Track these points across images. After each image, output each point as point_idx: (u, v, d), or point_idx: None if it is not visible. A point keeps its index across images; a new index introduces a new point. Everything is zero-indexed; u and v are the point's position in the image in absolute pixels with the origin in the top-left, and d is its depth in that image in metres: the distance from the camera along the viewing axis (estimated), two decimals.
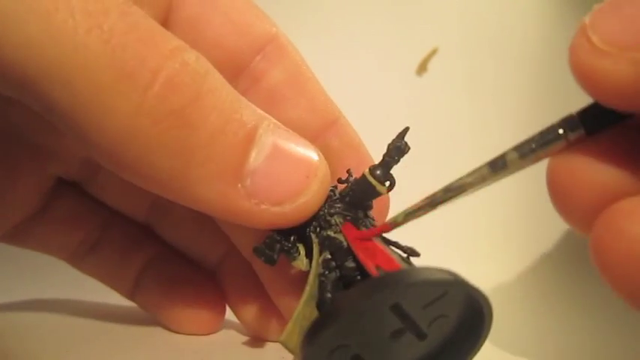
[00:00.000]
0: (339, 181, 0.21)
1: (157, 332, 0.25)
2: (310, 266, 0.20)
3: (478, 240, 0.39)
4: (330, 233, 0.20)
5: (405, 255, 0.19)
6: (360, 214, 0.20)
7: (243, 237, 0.23)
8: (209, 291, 0.26)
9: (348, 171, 0.21)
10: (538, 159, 0.17)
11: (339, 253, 0.19)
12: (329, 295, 0.18)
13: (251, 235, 0.23)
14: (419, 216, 0.18)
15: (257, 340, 0.24)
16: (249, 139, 0.18)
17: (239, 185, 0.18)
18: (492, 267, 0.36)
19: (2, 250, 0.25)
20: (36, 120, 0.22)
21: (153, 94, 0.17)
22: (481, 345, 0.17)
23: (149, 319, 0.26)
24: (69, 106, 0.16)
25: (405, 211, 0.19)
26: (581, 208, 0.17)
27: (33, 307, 0.29)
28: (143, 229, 0.27)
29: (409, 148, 0.20)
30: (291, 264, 0.20)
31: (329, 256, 0.19)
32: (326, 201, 0.20)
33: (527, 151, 0.17)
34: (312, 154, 0.19)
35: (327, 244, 0.19)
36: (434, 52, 0.43)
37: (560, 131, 0.16)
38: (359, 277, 0.19)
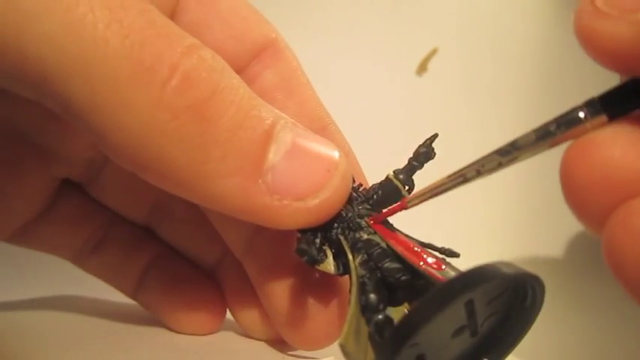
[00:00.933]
0: None
1: (157, 332, 0.25)
2: (339, 270, 0.19)
3: (477, 239, 0.39)
4: (364, 235, 0.19)
5: (442, 256, 0.19)
6: None
7: (235, 237, 0.23)
8: (210, 291, 0.26)
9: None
10: (555, 143, 0.16)
11: (379, 254, 0.19)
12: (373, 295, 0.18)
13: (243, 234, 0.23)
14: (427, 199, 0.19)
15: (257, 340, 0.24)
16: (268, 135, 0.18)
17: (260, 180, 0.18)
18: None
19: (2, 250, 0.25)
20: (42, 121, 0.23)
21: (171, 89, 0.17)
22: (519, 342, 0.17)
23: (149, 318, 0.26)
24: (87, 101, 0.16)
25: (416, 192, 0.19)
26: (595, 201, 0.16)
27: (33, 306, 0.29)
28: (146, 228, 0.27)
29: (435, 155, 0.20)
30: (316, 268, 0.19)
31: (366, 257, 0.19)
32: (350, 202, 0.20)
33: (544, 134, 0.16)
34: (331, 151, 0.19)
35: (360, 245, 0.19)
36: (434, 52, 0.43)
37: (581, 115, 0.16)
38: (403, 278, 0.18)
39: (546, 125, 0.16)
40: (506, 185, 0.39)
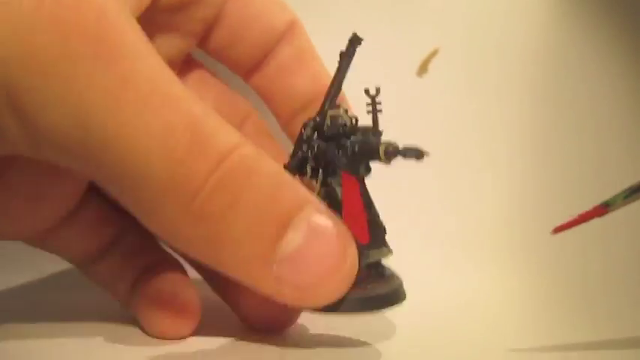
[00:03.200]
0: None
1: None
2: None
3: (481, 242, 0.39)
4: (333, 183, 0.22)
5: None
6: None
7: None
8: (185, 295, 0.25)
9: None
10: None
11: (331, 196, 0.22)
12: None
13: None
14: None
15: (256, 340, 0.24)
16: (284, 226, 0.19)
17: (267, 270, 0.19)
18: (495, 268, 0.36)
19: (2, 249, 0.25)
20: None
21: (199, 201, 0.18)
22: None
23: None
24: (126, 200, 0.19)
25: (624, 191, 0.18)
26: None
27: (31, 307, 0.29)
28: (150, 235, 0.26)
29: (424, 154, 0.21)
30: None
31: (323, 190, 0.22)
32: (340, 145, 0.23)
33: None
34: (345, 245, 0.20)
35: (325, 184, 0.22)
36: (434, 53, 0.43)
37: None
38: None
39: None
40: (512, 189, 0.39)
